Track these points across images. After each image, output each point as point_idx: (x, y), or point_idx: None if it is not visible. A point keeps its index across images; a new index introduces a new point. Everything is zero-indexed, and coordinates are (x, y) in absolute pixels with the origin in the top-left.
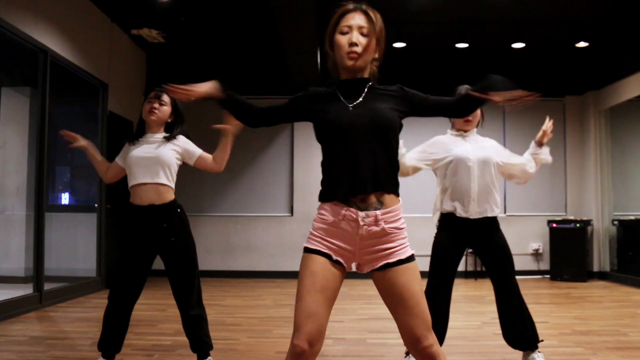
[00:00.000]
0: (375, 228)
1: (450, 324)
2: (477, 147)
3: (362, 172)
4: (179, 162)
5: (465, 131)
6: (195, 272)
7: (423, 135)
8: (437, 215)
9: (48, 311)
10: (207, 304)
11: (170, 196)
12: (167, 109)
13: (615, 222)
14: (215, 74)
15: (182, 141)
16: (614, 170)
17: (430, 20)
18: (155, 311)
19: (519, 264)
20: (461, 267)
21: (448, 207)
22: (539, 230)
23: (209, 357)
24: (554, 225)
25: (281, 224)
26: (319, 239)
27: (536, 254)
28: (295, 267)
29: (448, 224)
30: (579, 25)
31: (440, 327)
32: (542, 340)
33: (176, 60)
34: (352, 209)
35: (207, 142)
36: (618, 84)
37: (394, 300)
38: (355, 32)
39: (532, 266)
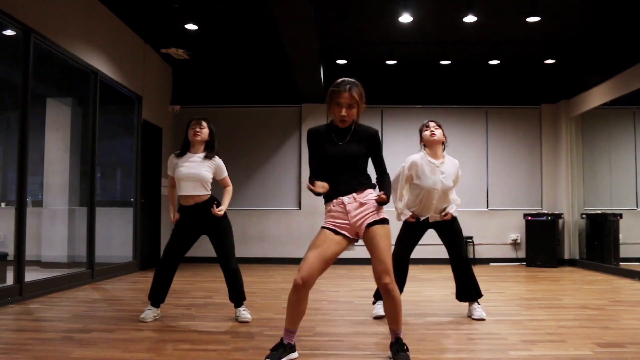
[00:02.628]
0: (354, 204)
1: (423, 294)
2: (444, 178)
3: (345, 181)
4: (212, 176)
5: (433, 149)
6: (232, 240)
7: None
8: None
9: (100, 284)
10: (220, 292)
11: (207, 196)
12: (206, 131)
13: (584, 216)
14: (233, 87)
15: (217, 161)
16: (584, 169)
17: (417, 41)
18: (187, 285)
19: (500, 252)
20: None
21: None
22: (517, 223)
23: (243, 306)
24: (530, 218)
25: (290, 217)
26: (328, 222)
27: (514, 244)
28: (302, 255)
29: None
30: (547, 45)
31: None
32: (481, 295)
33: (199, 74)
34: (339, 197)
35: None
36: (586, 93)
37: (371, 249)
38: (344, 108)
39: (511, 254)
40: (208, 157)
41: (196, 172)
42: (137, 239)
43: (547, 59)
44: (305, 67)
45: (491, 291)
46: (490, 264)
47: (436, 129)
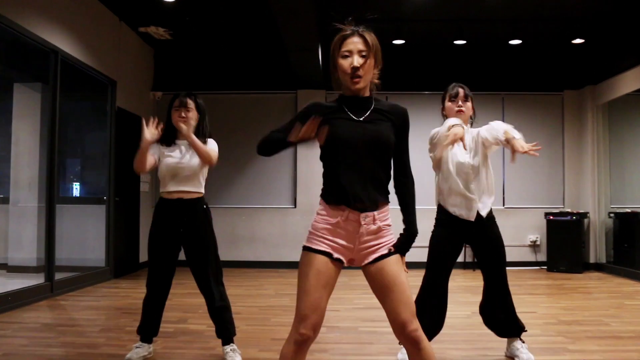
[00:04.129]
0: (372, 226)
1: None
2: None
3: (365, 182)
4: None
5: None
6: (218, 259)
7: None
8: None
9: (59, 300)
10: (198, 312)
11: (198, 195)
12: (193, 114)
13: (612, 215)
14: (221, 71)
15: (210, 145)
16: (611, 163)
17: (428, 18)
18: None
19: (517, 255)
20: (459, 258)
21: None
22: (536, 223)
23: (232, 343)
24: (551, 217)
25: (285, 216)
26: (321, 239)
27: (534, 246)
28: (298, 258)
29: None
30: (575, 22)
31: (437, 317)
32: (526, 330)
33: (183, 56)
34: (354, 211)
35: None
36: (615, 78)
37: (384, 289)
38: (356, 55)
39: (530, 257)
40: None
41: (186, 162)
42: (110, 242)
43: (576, 38)
44: (301, 47)
45: (520, 310)
46: (508, 268)
47: (464, 102)
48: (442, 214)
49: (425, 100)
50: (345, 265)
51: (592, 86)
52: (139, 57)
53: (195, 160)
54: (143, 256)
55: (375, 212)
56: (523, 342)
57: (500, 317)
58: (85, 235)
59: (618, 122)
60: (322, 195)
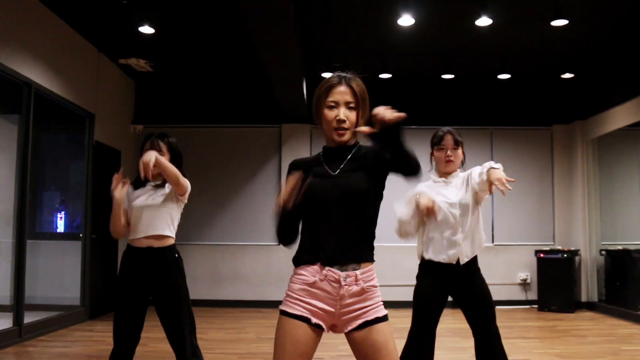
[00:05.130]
0: (355, 287)
1: None
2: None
3: (342, 239)
4: (180, 204)
5: (449, 174)
6: (190, 313)
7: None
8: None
9: (27, 346)
10: None
11: (169, 241)
12: (165, 157)
13: (603, 252)
14: (203, 104)
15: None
16: (602, 199)
17: (416, 51)
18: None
19: (508, 294)
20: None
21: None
22: (526, 260)
23: None
24: (542, 255)
25: (269, 253)
26: (298, 302)
27: (524, 284)
28: (282, 297)
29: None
30: (564, 57)
31: None
32: None
33: (165, 88)
34: (333, 269)
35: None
36: (605, 113)
37: (370, 356)
38: (343, 107)
39: (520, 296)
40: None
41: (155, 202)
42: (85, 281)
43: (565, 72)
44: (285, 79)
45: (514, 357)
46: (497, 307)
47: (454, 150)
48: (426, 265)
49: (413, 134)
50: (326, 332)
51: (582, 121)
52: (119, 90)
53: (164, 196)
54: None
55: (358, 272)
56: None
57: None
58: (60, 272)
59: (608, 158)
60: (295, 258)
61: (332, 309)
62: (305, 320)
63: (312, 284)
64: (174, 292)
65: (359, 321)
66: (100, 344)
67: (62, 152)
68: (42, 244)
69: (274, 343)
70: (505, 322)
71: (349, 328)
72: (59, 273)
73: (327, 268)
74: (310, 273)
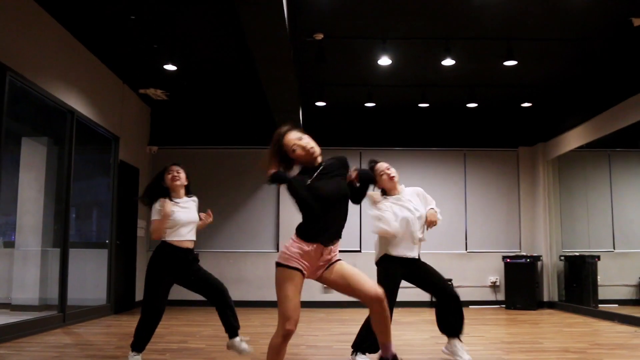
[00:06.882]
0: (330, 256)
1: (402, 338)
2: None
3: (335, 227)
4: None
5: (391, 190)
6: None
7: None
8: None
9: (71, 328)
10: (195, 336)
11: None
12: (184, 175)
13: (562, 258)
14: (211, 128)
15: (196, 201)
16: (562, 211)
17: (395, 84)
18: (162, 329)
19: (479, 295)
20: (427, 297)
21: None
22: (496, 265)
23: (238, 336)
24: (509, 260)
25: (268, 259)
26: (295, 260)
27: (494, 286)
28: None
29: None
30: (521, 90)
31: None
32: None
33: (177, 114)
34: (321, 245)
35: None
36: (562, 136)
37: (347, 279)
38: (305, 138)
39: (490, 297)
40: (194, 200)
41: (194, 217)
42: (111, 281)
43: (524, 102)
44: (285, 109)
45: (471, 334)
46: (470, 306)
47: (388, 169)
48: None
49: (394, 155)
50: (305, 278)
51: (543, 143)
52: (138, 115)
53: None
54: (139, 295)
55: (332, 247)
56: (461, 342)
57: (451, 320)
58: (85, 276)
59: (567, 175)
60: (298, 231)
61: (311, 267)
62: (299, 271)
63: (306, 252)
64: (201, 269)
65: (327, 265)
66: (129, 328)
67: (88, 170)
68: (71, 251)
69: (277, 287)
70: (475, 317)
71: (320, 272)
72: (83, 276)
73: (317, 244)
74: (307, 245)
